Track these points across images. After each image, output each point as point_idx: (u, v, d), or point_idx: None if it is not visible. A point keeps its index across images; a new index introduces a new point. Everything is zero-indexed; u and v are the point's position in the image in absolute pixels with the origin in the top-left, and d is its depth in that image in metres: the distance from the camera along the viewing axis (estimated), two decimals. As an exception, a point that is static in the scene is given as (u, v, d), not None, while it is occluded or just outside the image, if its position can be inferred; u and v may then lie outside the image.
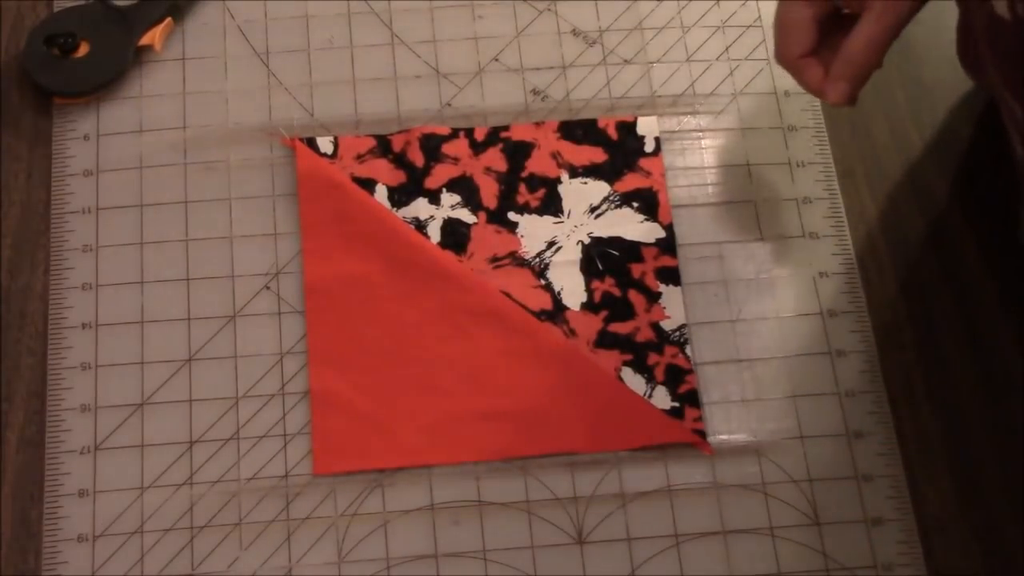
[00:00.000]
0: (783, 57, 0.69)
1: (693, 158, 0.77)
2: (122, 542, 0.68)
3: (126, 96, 0.78)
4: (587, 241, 0.75)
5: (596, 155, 0.77)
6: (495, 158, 0.77)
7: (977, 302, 0.73)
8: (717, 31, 0.80)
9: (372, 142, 0.77)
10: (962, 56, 0.75)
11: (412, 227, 0.74)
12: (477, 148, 0.77)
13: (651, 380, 0.71)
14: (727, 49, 0.80)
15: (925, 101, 0.78)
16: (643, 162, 0.77)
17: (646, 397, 0.71)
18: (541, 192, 0.76)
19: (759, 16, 0.81)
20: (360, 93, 0.78)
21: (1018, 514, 0.69)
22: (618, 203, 0.76)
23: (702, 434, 0.70)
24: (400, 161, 0.76)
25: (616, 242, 0.75)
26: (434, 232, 0.74)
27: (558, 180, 0.76)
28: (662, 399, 0.71)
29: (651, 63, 0.80)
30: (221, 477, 0.69)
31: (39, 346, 0.72)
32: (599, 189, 0.76)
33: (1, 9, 0.80)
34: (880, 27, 0.66)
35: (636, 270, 0.74)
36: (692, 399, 0.71)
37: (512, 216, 0.75)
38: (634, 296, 0.73)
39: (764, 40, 0.80)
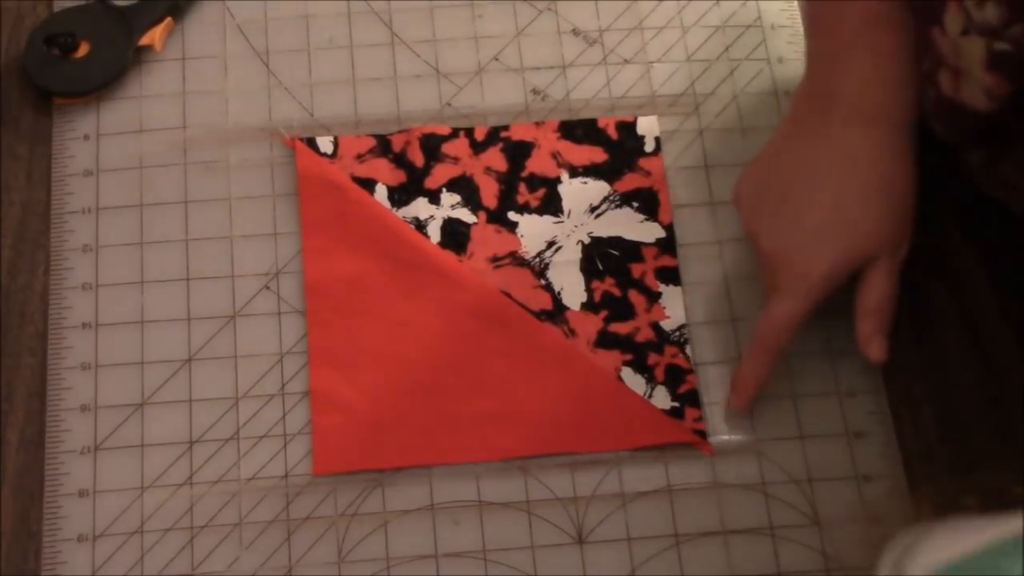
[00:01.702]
0: (768, 347, 0.68)
1: (693, 158, 0.77)
2: (122, 542, 0.68)
3: (126, 96, 0.78)
4: (587, 241, 0.75)
5: (596, 155, 0.77)
6: (495, 158, 0.77)
7: (977, 302, 0.73)
8: (717, 31, 0.80)
9: (372, 142, 0.77)
10: None
11: (412, 227, 0.74)
12: (477, 148, 0.77)
13: (651, 380, 0.71)
14: (727, 49, 0.80)
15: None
16: (643, 162, 0.77)
17: (646, 397, 0.71)
18: (541, 192, 0.76)
19: (759, 16, 0.81)
20: (360, 93, 0.78)
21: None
22: (618, 203, 0.76)
23: (702, 434, 0.70)
24: (400, 161, 0.76)
25: (616, 242, 0.75)
26: (434, 232, 0.74)
27: (558, 180, 0.76)
28: (662, 399, 0.71)
29: (651, 63, 0.80)
30: (221, 477, 0.69)
31: (39, 346, 0.72)
32: (599, 189, 0.76)
33: (1, 9, 0.80)
34: (892, 278, 0.68)
35: (636, 270, 0.74)
36: (692, 399, 0.71)
37: (512, 216, 0.75)
38: (634, 296, 0.73)
39: (764, 40, 0.80)
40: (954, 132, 0.66)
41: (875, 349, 0.68)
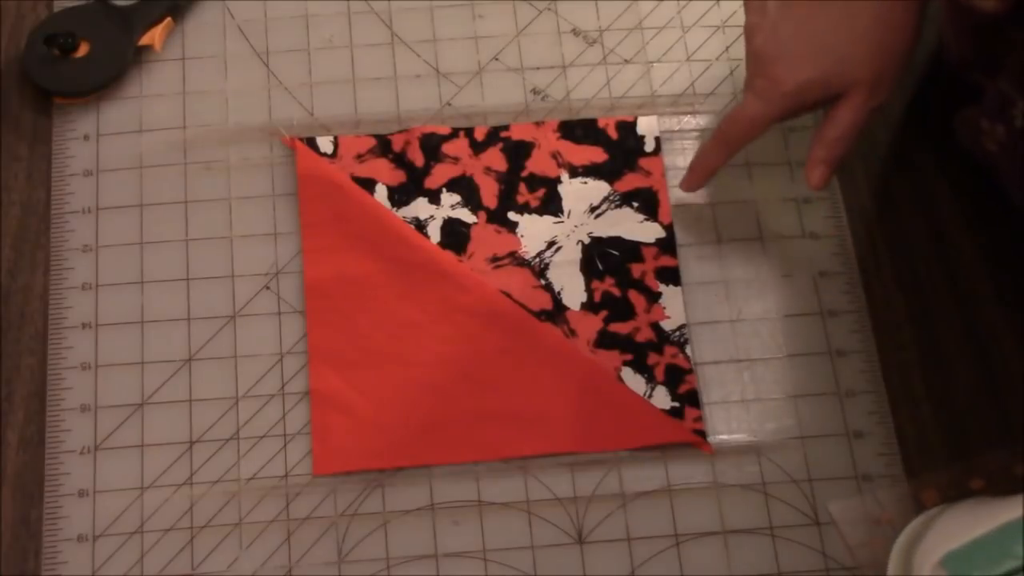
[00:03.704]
0: (730, 142, 0.72)
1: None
2: (122, 542, 0.68)
3: (126, 96, 0.78)
4: (587, 241, 0.75)
5: (596, 155, 0.77)
6: (495, 158, 0.77)
7: (977, 302, 0.73)
8: (717, 31, 0.81)
9: (372, 142, 0.77)
10: None
11: (412, 227, 0.74)
12: (477, 148, 0.77)
13: (651, 380, 0.71)
14: (727, 49, 0.80)
15: (924, 101, 0.78)
16: (643, 162, 0.77)
17: (646, 397, 0.71)
18: (541, 192, 0.76)
19: (759, 16, 0.81)
20: (360, 93, 0.78)
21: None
22: (618, 203, 0.76)
23: (702, 434, 0.70)
24: (400, 161, 0.76)
25: (616, 242, 0.75)
26: (434, 232, 0.74)
27: (558, 180, 0.76)
28: (662, 399, 0.71)
29: (651, 63, 0.80)
30: (221, 477, 0.69)
31: (39, 346, 0.72)
32: (599, 189, 0.76)
33: (1, 9, 0.80)
34: (862, 115, 0.69)
35: (636, 270, 0.74)
36: (692, 399, 0.71)
37: (512, 216, 0.75)
38: (634, 296, 0.73)
39: (764, 40, 0.80)
40: (961, 41, 0.67)
41: (816, 175, 0.70)
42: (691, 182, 0.74)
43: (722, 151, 0.72)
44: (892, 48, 0.69)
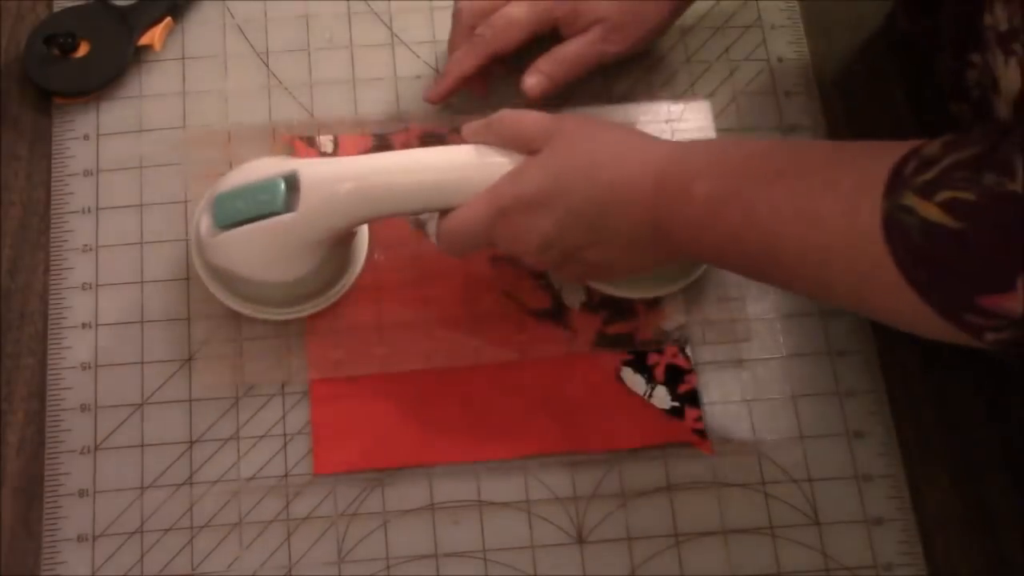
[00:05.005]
0: (489, 45, 0.74)
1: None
2: (122, 542, 0.68)
3: (126, 96, 0.78)
4: (587, 241, 0.75)
5: (596, 155, 0.77)
6: (495, 158, 0.76)
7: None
8: (717, 31, 0.80)
9: (372, 142, 0.77)
10: None
11: (411, 226, 0.74)
12: (477, 148, 0.77)
13: (651, 380, 0.71)
14: (727, 49, 0.80)
15: (924, 101, 0.78)
16: (643, 162, 0.77)
17: (646, 397, 0.71)
18: (541, 192, 0.76)
19: (759, 16, 0.81)
20: (360, 93, 0.78)
21: (1018, 514, 0.69)
22: (618, 203, 0.76)
23: (702, 434, 0.70)
24: (400, 161, 0.76)
25: (616, 242, 0.75)
26: (433, 232, 0.74)
27: (558, 180, 0.76)
28: (662, 399, 0.71)
29: (651, 63, 0.79)
30: (221, 477, 0.69)
31: (39, 346, 0.72)
32: (599, 189, 0.76)
33: (1, 9, 0.80)
34: (591, 51, 0.74)
35: (636, 270, 0.74)
36: (692, 399, 0.71)
37: (512, 216, 0.75)
38: (634, 296, 0.73)
39: (764, 40, 0.80)
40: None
41: (532, 82, 0.74)
42: (440, 90, 0.75)
43: (478, 53, 0.74)
44: (641, 11, 0.73)
